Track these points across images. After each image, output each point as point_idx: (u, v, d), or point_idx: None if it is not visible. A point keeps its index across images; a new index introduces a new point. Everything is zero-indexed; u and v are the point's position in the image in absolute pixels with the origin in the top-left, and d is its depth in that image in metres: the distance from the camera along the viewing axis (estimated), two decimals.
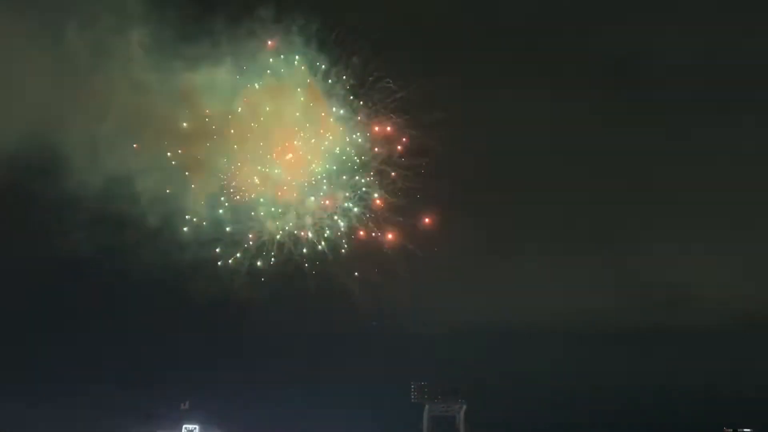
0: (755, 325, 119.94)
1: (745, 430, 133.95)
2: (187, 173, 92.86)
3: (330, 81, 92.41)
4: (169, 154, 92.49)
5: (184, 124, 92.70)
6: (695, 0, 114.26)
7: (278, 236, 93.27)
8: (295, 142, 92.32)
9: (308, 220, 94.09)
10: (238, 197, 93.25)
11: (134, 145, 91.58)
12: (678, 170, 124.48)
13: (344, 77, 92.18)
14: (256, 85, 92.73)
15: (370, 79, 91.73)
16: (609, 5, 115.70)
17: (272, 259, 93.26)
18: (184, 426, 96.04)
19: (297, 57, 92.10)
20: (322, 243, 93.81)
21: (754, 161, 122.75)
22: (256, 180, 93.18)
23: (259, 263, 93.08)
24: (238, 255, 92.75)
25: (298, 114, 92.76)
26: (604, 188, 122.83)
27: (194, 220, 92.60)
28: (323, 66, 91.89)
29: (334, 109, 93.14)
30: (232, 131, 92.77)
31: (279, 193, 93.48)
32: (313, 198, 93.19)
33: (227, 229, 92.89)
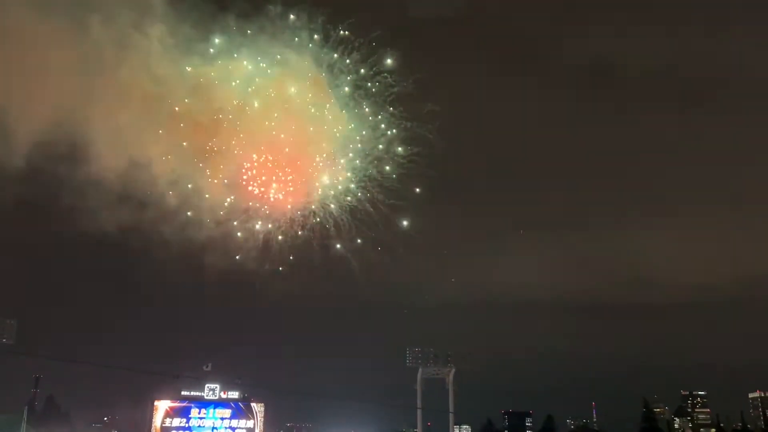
0: (709, 301, 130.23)
1: (699, 392, 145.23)
2: (203, 158, 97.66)
3: (333, 73, 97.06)
4: (186, 141, 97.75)
5: (200, 113, 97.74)
6: (663, 10, 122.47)
7: (288, 213, 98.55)
8: (310, 128, 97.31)
9: (315, 199, 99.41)
10: (251, 179, 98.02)
11: (154, 133, 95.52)
12: (646, 164, 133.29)
13: (346, 70, 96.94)
14: (263, 75, 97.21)
15: (370, 73, 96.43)
16: (586, 14, 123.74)
17: (281, 234, 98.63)
18: (206, 385, 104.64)
19: (303, 49, 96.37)
20: (328, 220, 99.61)
21: (715, 158, 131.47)
22: (268, 162, 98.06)
23: (270, 239, 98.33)
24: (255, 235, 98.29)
25: (307, 97, 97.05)
26: (579, 179, 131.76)
27: (207, 199, 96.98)
28: (327, 59, 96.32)
29: (337, 97, 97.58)
30: (246, 117, 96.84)
31: (288, 170, 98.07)
32: (325, 177, 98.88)
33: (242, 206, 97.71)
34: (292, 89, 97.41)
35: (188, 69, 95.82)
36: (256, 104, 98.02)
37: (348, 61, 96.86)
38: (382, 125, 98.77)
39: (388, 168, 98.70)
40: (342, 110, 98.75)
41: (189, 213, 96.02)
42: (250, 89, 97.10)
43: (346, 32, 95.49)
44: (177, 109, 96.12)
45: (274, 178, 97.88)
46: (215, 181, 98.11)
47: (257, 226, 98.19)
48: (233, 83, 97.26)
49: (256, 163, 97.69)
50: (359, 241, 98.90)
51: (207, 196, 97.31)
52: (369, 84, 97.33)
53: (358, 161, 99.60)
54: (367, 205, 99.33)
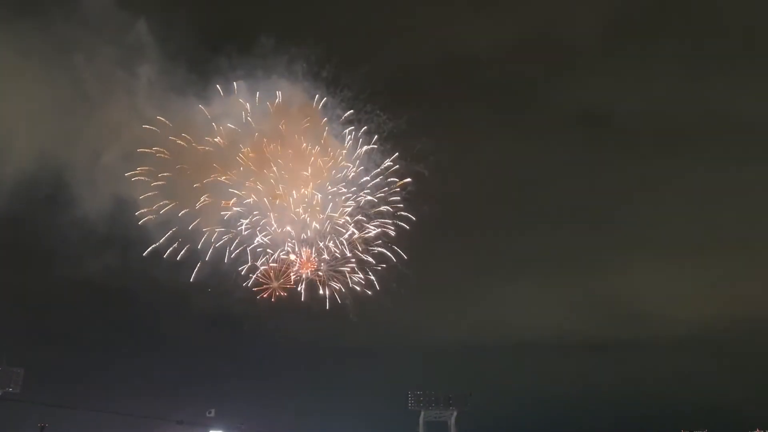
0: (704, 339, 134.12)
1: None
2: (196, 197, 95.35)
3: (327, 108, 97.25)
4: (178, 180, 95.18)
5: (192, 152, 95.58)
6: (652, 59, 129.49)
7: (288, 256, 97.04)
8: (305, 163, 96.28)
9: (312, 237, 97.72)
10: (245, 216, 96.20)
11: (141, 173, 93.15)
12: (637, 206, 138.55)
13: (339, 108, 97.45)
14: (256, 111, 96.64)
15: (364, 110, 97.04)
16: (577, 63, 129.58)
17: (279, 274, 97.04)
18: (210, 431, 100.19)
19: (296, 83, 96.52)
20: (324, 264, 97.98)
21: (702, 198, 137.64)
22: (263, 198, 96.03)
23: (268, 282, 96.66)
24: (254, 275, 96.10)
25: (302, 132, 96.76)
26: (573, 221, 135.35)
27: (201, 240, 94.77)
28: (320, 94, 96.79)
29: (331, 131, 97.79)
30: (239, 153, 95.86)
31: (285, 204, 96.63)
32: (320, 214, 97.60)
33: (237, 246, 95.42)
34: (287, 125, 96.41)
35: (170, 124, 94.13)
36: (250, 140, 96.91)
37: (341, 98, 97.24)
38: (376, 161, 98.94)
39: (382, 205, 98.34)
40: (337, 145, 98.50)
41: (182, 254, 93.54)
42: (239, 130, 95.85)
43: (338, 69, 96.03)
44: (166, 151, 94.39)
45: (270, 214, 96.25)
46: (208, 231, 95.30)
47: (254, 265, 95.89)
48: (226, 120, 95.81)
49: (251, 200, 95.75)
50: (355, 280, 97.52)
51: (201, 237, 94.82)
52: (361, 119, 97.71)
53: (352, 198, 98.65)
54: (362, 243, 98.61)
